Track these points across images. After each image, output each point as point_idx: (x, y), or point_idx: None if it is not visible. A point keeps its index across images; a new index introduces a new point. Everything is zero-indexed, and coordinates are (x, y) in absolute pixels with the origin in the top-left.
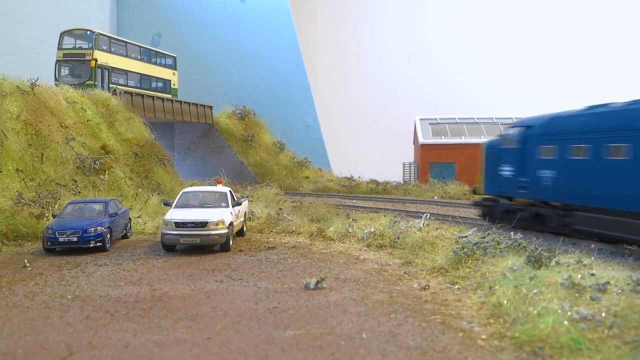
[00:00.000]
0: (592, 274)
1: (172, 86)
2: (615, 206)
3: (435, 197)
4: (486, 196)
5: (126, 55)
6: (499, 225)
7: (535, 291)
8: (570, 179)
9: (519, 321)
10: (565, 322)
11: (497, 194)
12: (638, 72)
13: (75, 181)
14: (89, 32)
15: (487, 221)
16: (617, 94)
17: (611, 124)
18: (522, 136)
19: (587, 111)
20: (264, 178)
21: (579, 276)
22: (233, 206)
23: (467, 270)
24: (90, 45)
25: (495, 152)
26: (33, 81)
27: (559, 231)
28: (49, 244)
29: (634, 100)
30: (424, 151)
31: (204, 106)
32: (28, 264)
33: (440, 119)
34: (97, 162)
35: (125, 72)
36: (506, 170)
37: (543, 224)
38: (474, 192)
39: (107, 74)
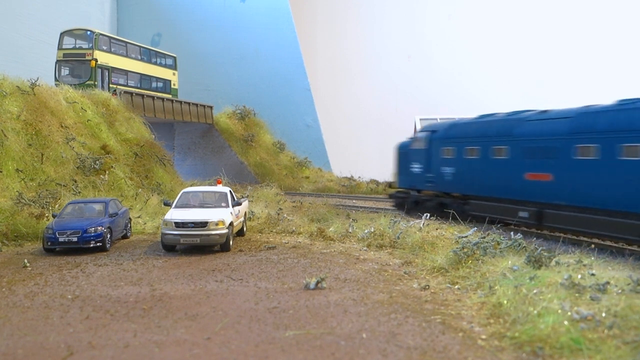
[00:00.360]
0: (592, 274)
1: (172, 86)
2: (498, 195)
3: None
4: (399, 189)
5: (126, 55)
6: (410, 213)
7: (535, 291)
8: (466, 175)
9: (519, 321)
10: (565, 322)
11: (408, 188)
12: (638, 72)
13: (75, 181)
14: (89, 32)
15: (400, 210)
16: (616, 93)
17: (496, 130)
18: (428, 139)
19: (478, 119)
20: (264, 178)
21: (579, 276)
22: (233, 206)
23: (467, 270)
24: (90, 45)
25: (406, 152)
26: (33, 81)
27: (459, 217)
28: (49, 244)
29: (514, 112)
30: None
31: (204, 106)
32: (28, 264)
33: (440, 119)
34: (97, 162)
35: (125, 72)
36: (416, 168)
37: (446, 211)
38: (390, 186)
39: (107, 74)
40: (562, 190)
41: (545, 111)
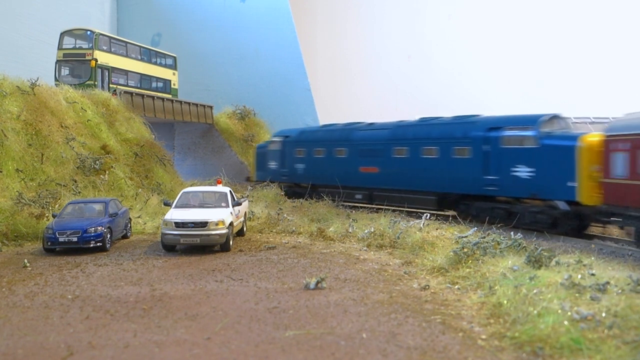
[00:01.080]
0: (592, 274)
1: (172, 86)
2: (341, 183)
3: None
4: (257, 182)
5: (126, 55)
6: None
7: (535, 291)
8: (315, 169)
9: (519, 321)
10: (565, 322)
11: (265, 181)
12: (637, 71)
13: (75, 181)
14: (89, 32)
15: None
16: (616, 93)
17: (337, 136)
18: (282, 142)
19: (323, 128)
20: None
21: (579, 276)
22: (233, 206)
23: (467, 270)
24: (90, 45)
25: (264, 153)
26: (33, 81)
27: (310, 198)
28: (49, 244)
29: (349, 123)
30: None
31: (204, 106)
32: (28, 264)
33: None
34: (97, 162)
35: (126, 72)
36: (272, 165)
37: (299, 196)
38: (247, 180)
39: (107, 74)
40: (385, 179)
41: (372, 123)
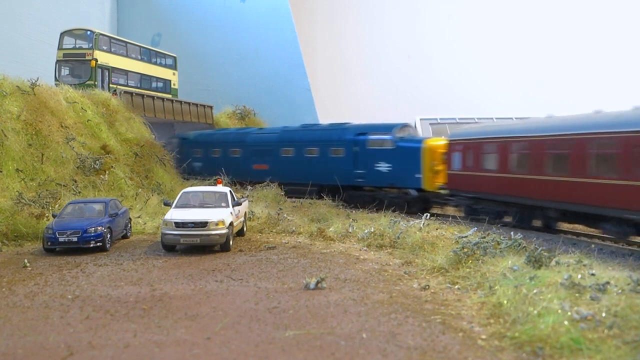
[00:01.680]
0: (592, 274)
1: (172, 86)
2: (236, 178)
3: None
4: None
5: (126, 55)
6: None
7: (535, 291)
8: (211, 166)
9: (519, 321)
10: (566, 322)
11: None
12: (637, 72)
13: (75, 181)
14: (89, 32)
15: None
16: (616, 94)
17: (232, 139)
18: (180, 143)
19: (219, 131)
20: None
21: (579, 276)
22: (233, 206)
23: (467, 270)
24: (91, 45)
25: None
26: (33, 81)
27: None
28: (49, 244)
29: (242, 128)
30: None
31: (204, 106)
32: (28, 264)
33: (440, 118)
34: (97, 162)
35: (126, 72)
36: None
37: None
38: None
39: (107, 74)
40: (274, 174)
41: (262, 128)
